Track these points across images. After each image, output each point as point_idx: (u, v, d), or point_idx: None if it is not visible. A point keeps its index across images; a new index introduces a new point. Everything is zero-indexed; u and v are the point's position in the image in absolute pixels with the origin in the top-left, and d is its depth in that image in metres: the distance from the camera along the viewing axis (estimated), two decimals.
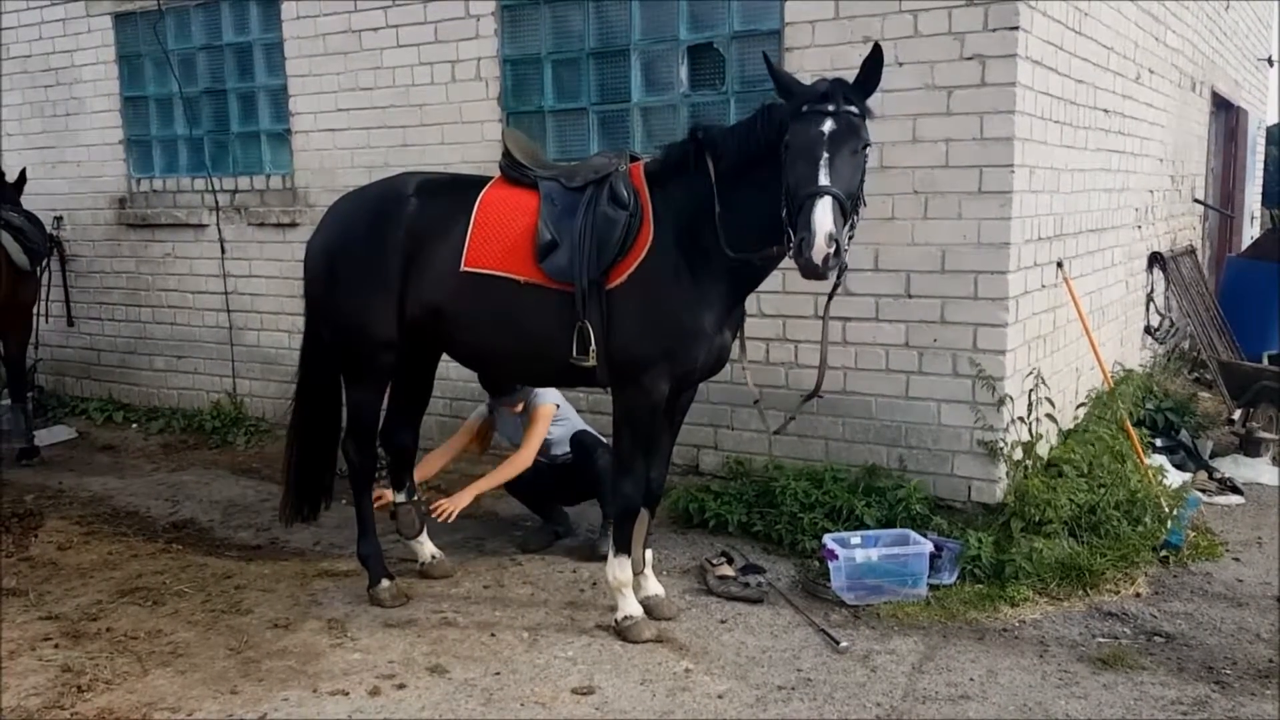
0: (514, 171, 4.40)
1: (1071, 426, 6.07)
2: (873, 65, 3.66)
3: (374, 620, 4.50)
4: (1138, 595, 4.67)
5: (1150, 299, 8.49)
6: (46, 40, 8.60)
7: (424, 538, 5.01)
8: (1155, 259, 8.49)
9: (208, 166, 7.90)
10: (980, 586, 4.68)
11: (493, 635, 4.34)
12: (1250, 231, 13.69)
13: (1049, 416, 5.53)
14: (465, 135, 6.61)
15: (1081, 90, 6.09)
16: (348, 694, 3.86)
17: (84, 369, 8.96)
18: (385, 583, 4.69)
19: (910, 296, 5.36)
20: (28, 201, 7.58)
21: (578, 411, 5.54)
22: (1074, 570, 4.71)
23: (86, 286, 8.73)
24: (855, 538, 4.78)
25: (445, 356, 4.91)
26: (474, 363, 4.78)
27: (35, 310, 7.68)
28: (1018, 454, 5.24)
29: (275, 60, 7.43)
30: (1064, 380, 6.16)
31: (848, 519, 5.12)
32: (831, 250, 3.46)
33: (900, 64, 5.14)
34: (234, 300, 7.85)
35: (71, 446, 7.77)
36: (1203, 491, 6.07)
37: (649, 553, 4.58)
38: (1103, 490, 5.16)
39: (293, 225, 7.38)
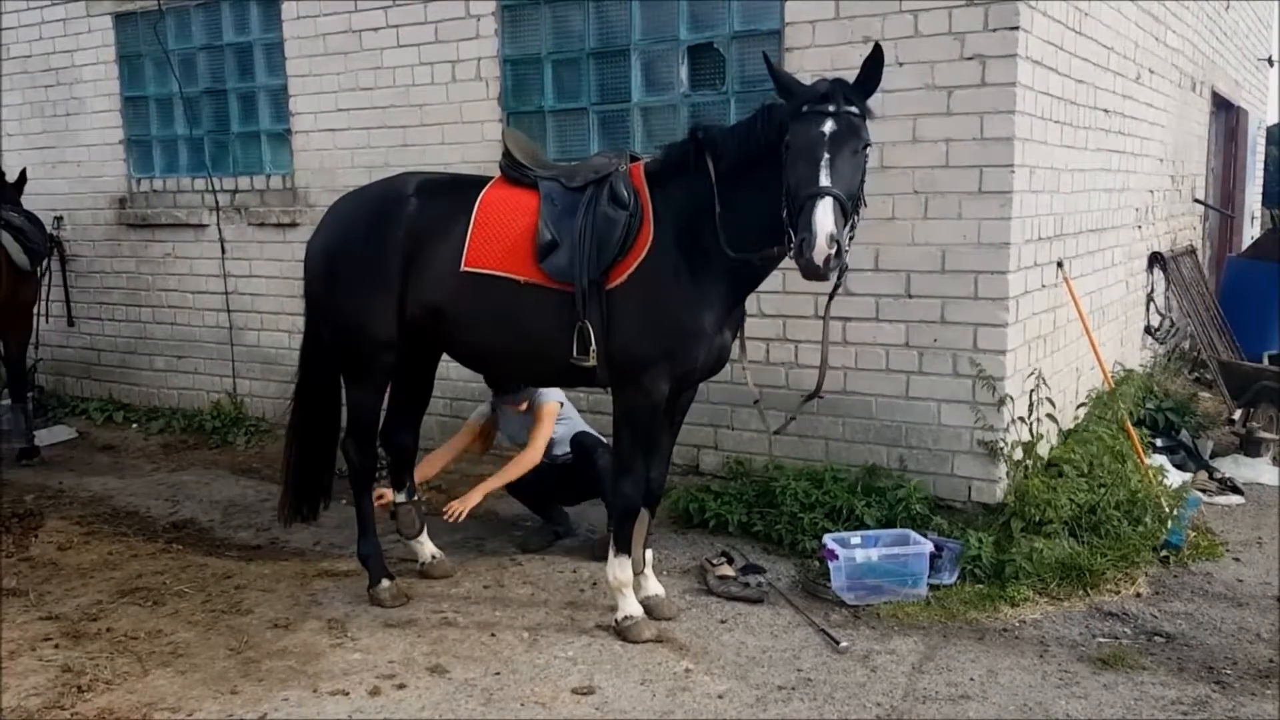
0: (514, 171, 4.40)
1: (1072, 426, 6.07)
2: (873, 65, 3.66)
3: (374, 620, 4.50)
4: (1138, 595, 4.67)
5: (1150, 299, 8.49)
6: (47, 40, 8.60)
7: (424, 538, 5.01)
8: (1155, 259, 8.49)
9: (208, 166, 7.90)
10: (980, 586, 4.69)
11: (493, 635, 4.34)
12: (1250, 231, 13.69)
13: (1049, 416, 5.53)
14: (465, 135, 6.61)
15: (1082, 90, 6.09)
16: (348, 694, 3.86)
17: (84, 369, 8.96)
18: (385, 583, 4.69)
19: (910, 296, 5.36)
20: (28, 201, 7.58)
21: (578, 411, 5.54)
22: (1074, 570, 4.71)
23: (87, 286, 8.73)
24: (855, 538, 4.78)
25: (445, 356, 4.91)
26: (474, 363, 4.78)
27: (35, 310, 7.68)
28: (1018, 454, 5.24)
29: (275, 60, 7.43)
30: (1064, 380, 6.16)
31: (848, 519, 5.12)
32: (833, 251, 3.46)
33: (900, 64, 5.14)
34: (234, 300, 7.85)
35: (71, 446, 7.77)
36: (1203, 491, 6.07)
37: (649, 553, 4.58)
38: (1103, 490, 5.16)
39: (293, 225, 7.38)
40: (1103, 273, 6.96)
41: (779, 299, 5.58)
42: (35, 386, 8.32)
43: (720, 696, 3.81)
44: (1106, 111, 6.69)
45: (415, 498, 5.04)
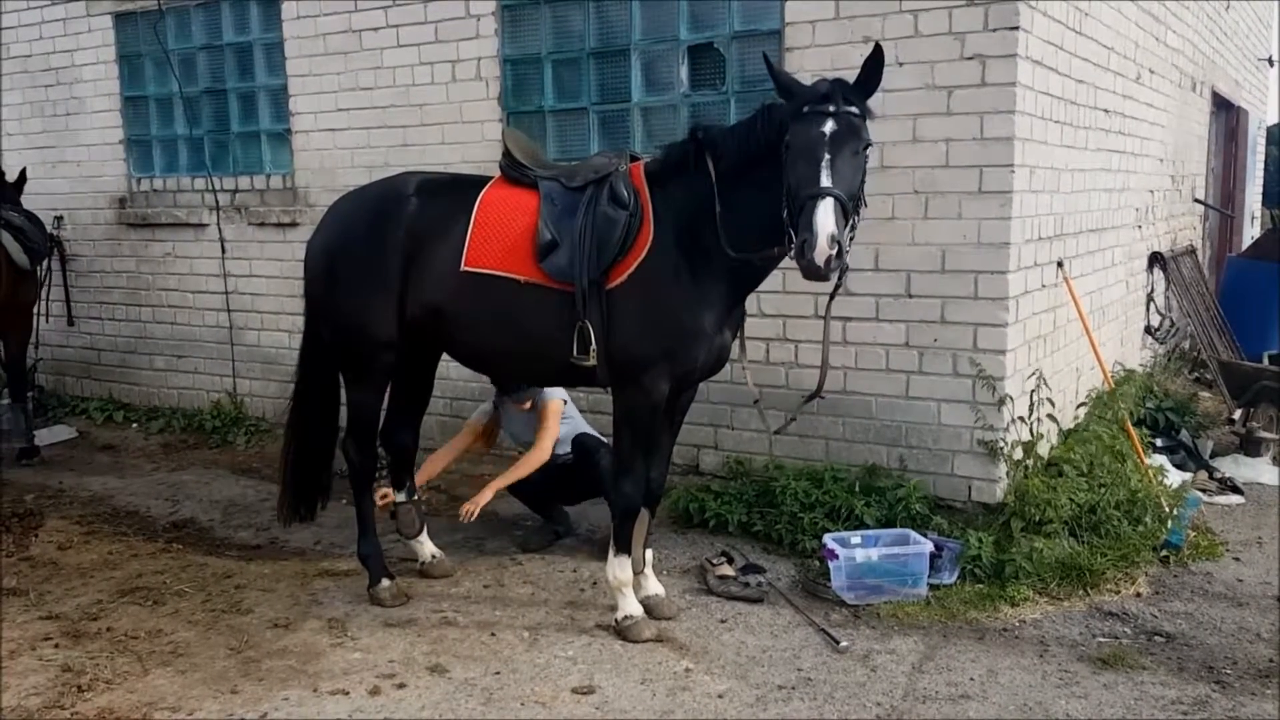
0: (514, 171, 4.40)
1: (1072, 426, 6.07)
2: (873, 66, 3.65)
3: (374, 620, 4.50)
4: (1138, 595, 4.67)
5: (1150, 299, 8.49)
6: (47, 40, 8.60)
7: (424, 537, 5.02)
8: (1155, 259, 8.49)
9: (208, 166, 7.90)
10: (980, 586, 4.69)
11: (493, 635, 4.34)
12: (1250, 231, 13.69)
13: (1049, 416, 5.53)
14: (465, 135, 6.61)
15: (1082, 90, 6.09)
16: (348, 693, 3.86)
17: (84, 368, 8.97)
18: (385, 582, 4.69)
19: (910, 296, 5.36)
20: (28, 201, 7.58)
21: (578, 411, 5.54)
22: (1074, 570, 4.71)
23: (87, 286, 8.73)
24: (855, 537, 4.78)
25: (445, 356, 4.91)
26: (474, 363, 4.78)
27: (35, 310, 7.69)
28: (1018, 454, 5.24)
29: (275, 60, 7.43)
30: (1064, 380, 6.16)
31: (848, 519, 5.12)
32: (834, 252, 3.45)
33: (900, 64, 5.14)
34: (234, 300, 7.85)
35: (72, 446, 7.77)
36: (1203, 491, 6.07)
37: (649, 552, 4.58)
38: (1103, 490, 5.16)
39: (293, 225, 7.38)
40: (1103, 273, 6.96)
41: (779, 299, 5.58)
42: (35, 386, 8.32)
43: (720, 696, 3.81)
44: (1107, 111, 6.69)
45: (415, 497, 5.04)
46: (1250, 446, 6.73)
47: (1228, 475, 6.36)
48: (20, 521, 5.87)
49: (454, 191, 4.48)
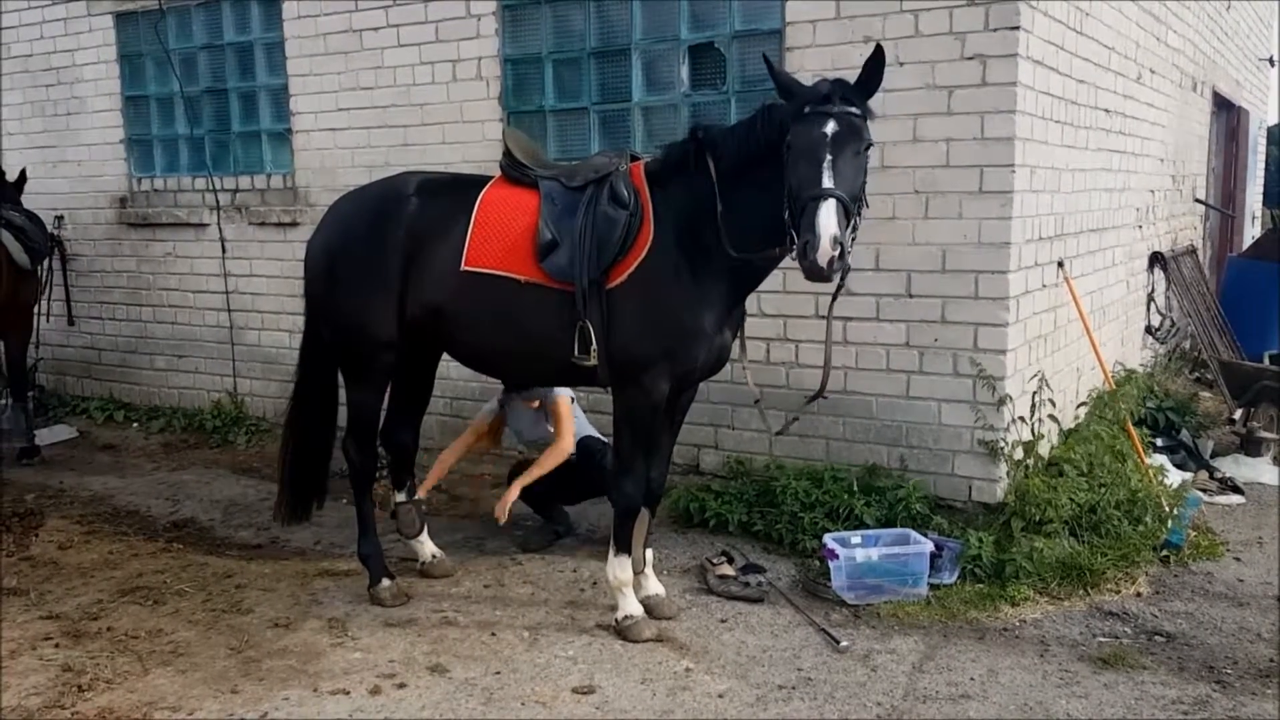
0: (514, 171, 4.40)
1: (1072, 426, 6.07)
2: (874, 66, 3.65)
3: (374, 619, 4.50)
4: (1138, 595, 4.67)
5: (1151, 299, 8.49)
6: (48, 39, 8.60)
7: (424, 537, 5.02)
8: (1156, 259, 8.49)
9: (209, 166, 7.90)
10: (981, 586, 4.68)
11: (493, 634, 4.34)
12: (1251, 231, 13.68)
13: (1050, 416, 5.53)
14: (466, 135, 6.61)
15: (1082, 90, 6.08)
16: (348, 693, 3.86)
17: (85, 368, 8.97)
18: (386, 582, 4.69)
19: (911, 296, 5.36)
20: (29, 201, 7.59)
21: (581, 411, 5.54)
22: (1075, 570, 4.71)
23: (87, 286, 8.73)
24: (856, 537, 4.78)
25: (445, 356, 4.91)
26: (474, 362, 4.78)
27: (36, 309, 7.69)
28: (1018, 453, 5.24)
29: (276, 60, 7.43)
30: (1065, 380, 6.16)
31: (848, 518, 5.12)
32: (836, 253, 3.45)
33: (901, 64, 5.14)
34: (235, 300, 7.85)
35: (72, 446, 7.77)
36: (1203, 491, 6.07)
37: (649, 552, 4.58)
38: (1103, 490, 5.16)
39: (293, 225, 7.39)
40: (1103, 272, 6.96)
41: (779, 299, 5.58)
42: (36, 386, 8.32)
43: (720, 696, 3.81)
44: (1107, 111, 6.69)
45: (415, 497, 5.04)
46: (1251, 446, 6.73)
47: (1228, 475, 6.36)
48: (21, 521, 5.87)
49: (454, 191, 4.48)
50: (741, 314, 4.32)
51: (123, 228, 8.45)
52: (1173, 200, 9.13)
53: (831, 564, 4.62)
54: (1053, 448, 5.66)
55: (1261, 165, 15.01)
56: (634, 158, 4.33)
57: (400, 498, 5.02)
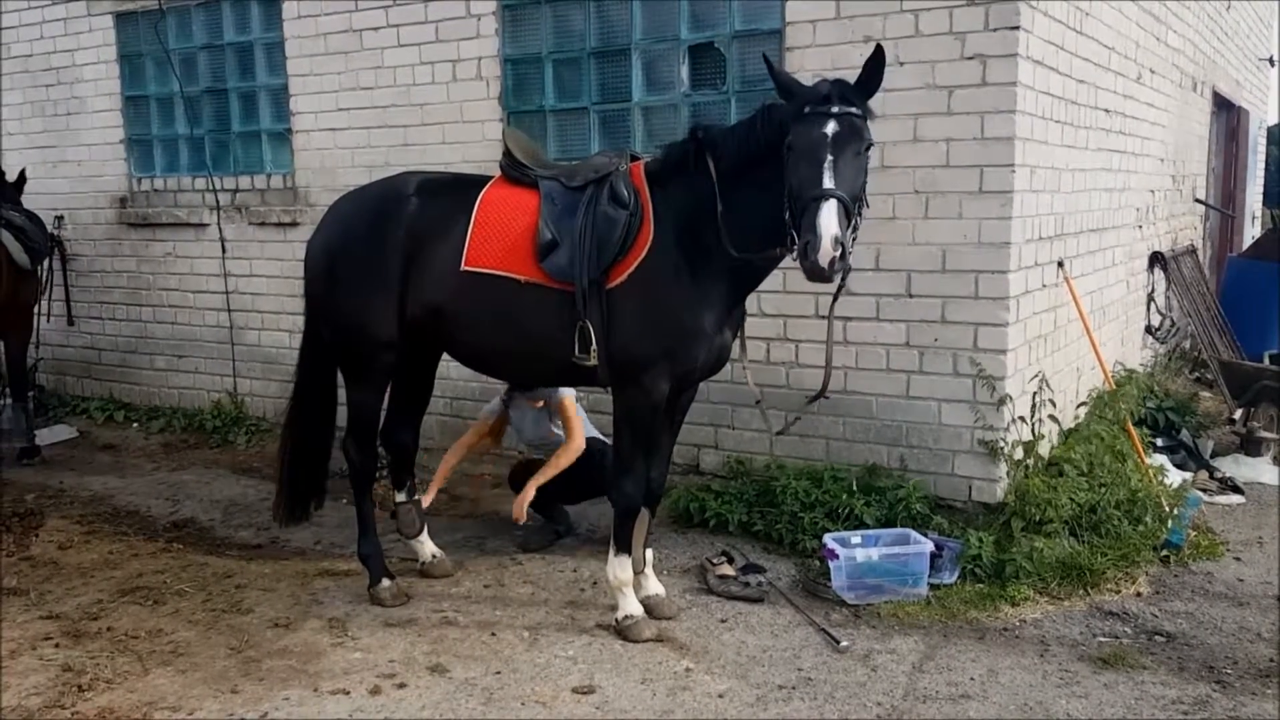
0: (514, 171, 4.40)
1: (1072, 426, 6.07)
2: (874, 66, 3.65)
3: (375, 619, 4.50)
4: (1138, 595, 4.67)
5: (1151, 299, 8.49)
6: (48, 39, 8.60)
7: (424, 537, 5.02)
8: (1156, 259, 8.49)
9: (209, 166, 7.90)
10: (981, 586, 4.68)
11: (493, 634, 4.34)
12: (1251, 231, 13.68)
13: (1050, 416, 5.53)
14: (466, 135, 6.61)
15: (1082, 90, 6.08)
16: (348, 693, 3.86)
17: (85, 368, 8.97)
18: (386, 582, 4.69)
19: (911, 296, 5.36)
20: (29, 201, 7.59)
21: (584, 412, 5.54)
22: (1075, 570, 4.71)
23: (87, 286, 8.73)
24: (856, 537, 4.78)
25: (445, 356, 4.91)
26: (474, 362, 4.77)
27: (36, 309, 7.69)
28: (1018, 453, 5.24)
29: (276, 60, 7.43)
30: (1065, 380, 6.16)
31: (848, 518, 5.12)
32: (838, 254, 3.46)
33: (901, 63, 5.14)
34: (235, 300, 7.85)
35: (72, 446, 7.77)
36: (1203, 491, 6.07)
37: (649, 552, 4.58)
38: (1103, 490, 5.16)
39: (293, 225, 7.39)
40: (1103, 272, 6.96)
41: (779, 298, 5.58)
42: (36, 386, 8.32)
43: (721, 696, 3.81)
44: (1107, 111, 6.69)
45: (415, 497, 5.04)
46: (1251, 446, 6.73)
47: (1228, 475, 6.36)
48: (21, 521, 5.87)
49: (454, 191, 4.48)
50: (741, 314, 4.32)
51: (123, 228, 8.45)
52: (1173, 200, 9.14)
53: (831, 564, 4.62)
54: (1053, 448, 5.66)
55: (1261, 165, 15.01)
56: (634, 158, 4.33)
57: (400, 498, 5.02)
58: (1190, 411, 7.23)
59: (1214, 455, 6.73)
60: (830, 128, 3.58)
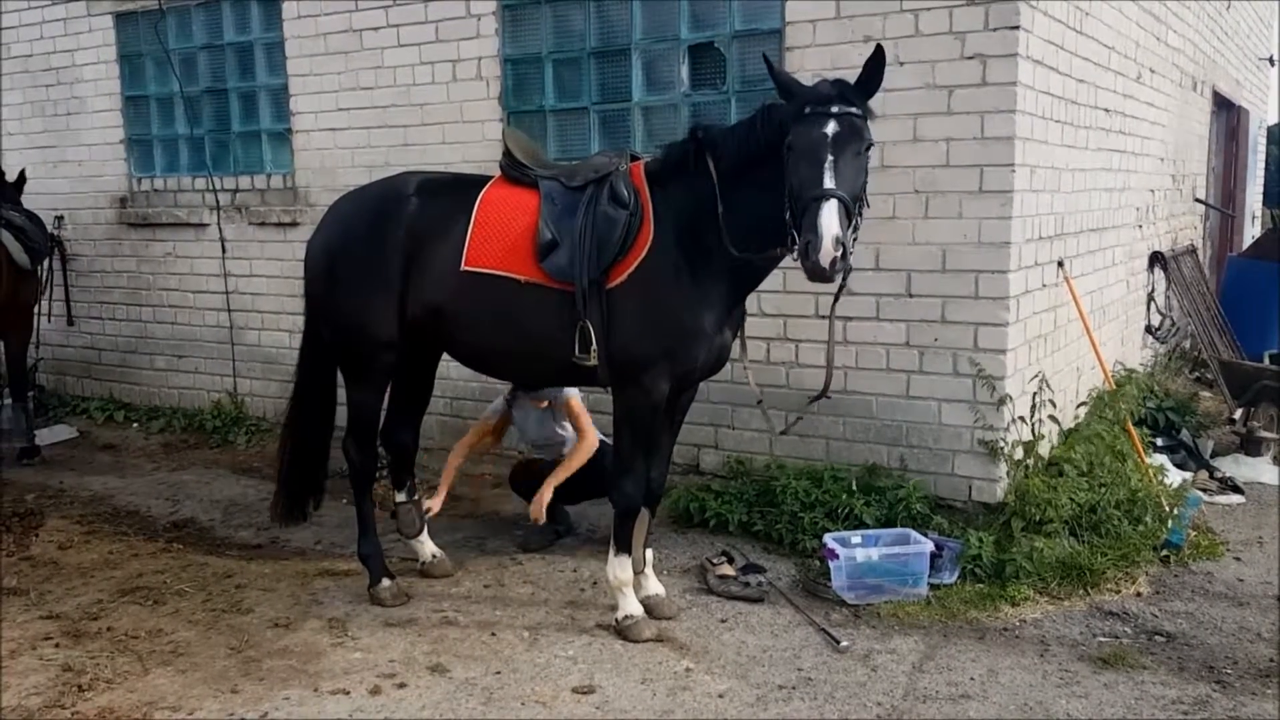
0: (514, 171, 4.40)
1: (1072, 426, 6.07)
2: (874, 66, 3.65)
3: (375, 619, 4.50)
4: (1139, 595, 4.67)
5: (1151, 298, 8.49)
6: (48, 40, 8.60)
7: (424, 537, 5.02)
8: (1156, 258, 8.49)
9: (209, 166, 7.90)
10: (981, 586, 4.68)
11: (493, 634, 4.34)
12: (1251, 231, 13.68)
13: (1050, 417, 5.53)
14: (466, 135, 6.61)
15: (1082, 90, 6.08)
16: (348, 693, 3.86)
17: (85, 368, 8.97)
18: (386, 582, 4.69)
19: (911, 296, 5.36)
20: (29, 201, 7.58)
21: None
22: (1075, 569, 4.71)
23: (87, 286, 8.73)
24: (856, 537, 4.78)
25: (445, 356, 4.91)
26: (475, 362, 4.77)
27: (36, 309, 7.69)
28: (1018, 453, 5.24)
29: (276, 60, 7.43)
30: (1065, 380, 6.16)
31: (848, 518, 5.12)
32: (839, 254, 3.46)
33: (901, 63, 5.14)
34: (235, 300, 7.85)
35: (72, 446, 7.77)
36: (1203, 491, 6.07)
37: (649, 552, 4.58)
38: (1103, 489, 5.16)
39: (293, 225, 7.38)
40: (1103, 272, 6.96)
41: (779, 298, 5.58)
42: (36, 386, 8.32)
43: (721, 695, 3.81)
44: (1107, 111, 6.69)
45: (415, 497, 5.04)
46: (1251, 446, 6.73)
47: (1228, 475, 6.36)
48: (21, 521, 5.87)
49: (454, 191, 4.48)
50: (742, 314, 4.32)
51: (123, 228, 8.45)
52: (1173, 200, 9.13)
53: (831, 564, 4.62)
54: (1053, 447, 5.66)
55: (1261, 165, 15.00)
56: (634, 158, 4.33)
57: (400, 498, 5.02)
58: (1190, 411, 7.23)
59: (1214, 455, 6.73)
60: (830, 128, 3.58)
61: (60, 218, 8.68)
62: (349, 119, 7.10)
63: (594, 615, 4.50)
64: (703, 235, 4.01)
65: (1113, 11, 6.57)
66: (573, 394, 5.12)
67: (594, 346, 4.05)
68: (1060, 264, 5.87)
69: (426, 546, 5.01)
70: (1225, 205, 11.97)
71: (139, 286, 8.45)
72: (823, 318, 4.18)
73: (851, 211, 3.57)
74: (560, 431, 5.22)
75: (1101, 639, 4.25)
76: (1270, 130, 17.14)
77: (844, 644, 4.17)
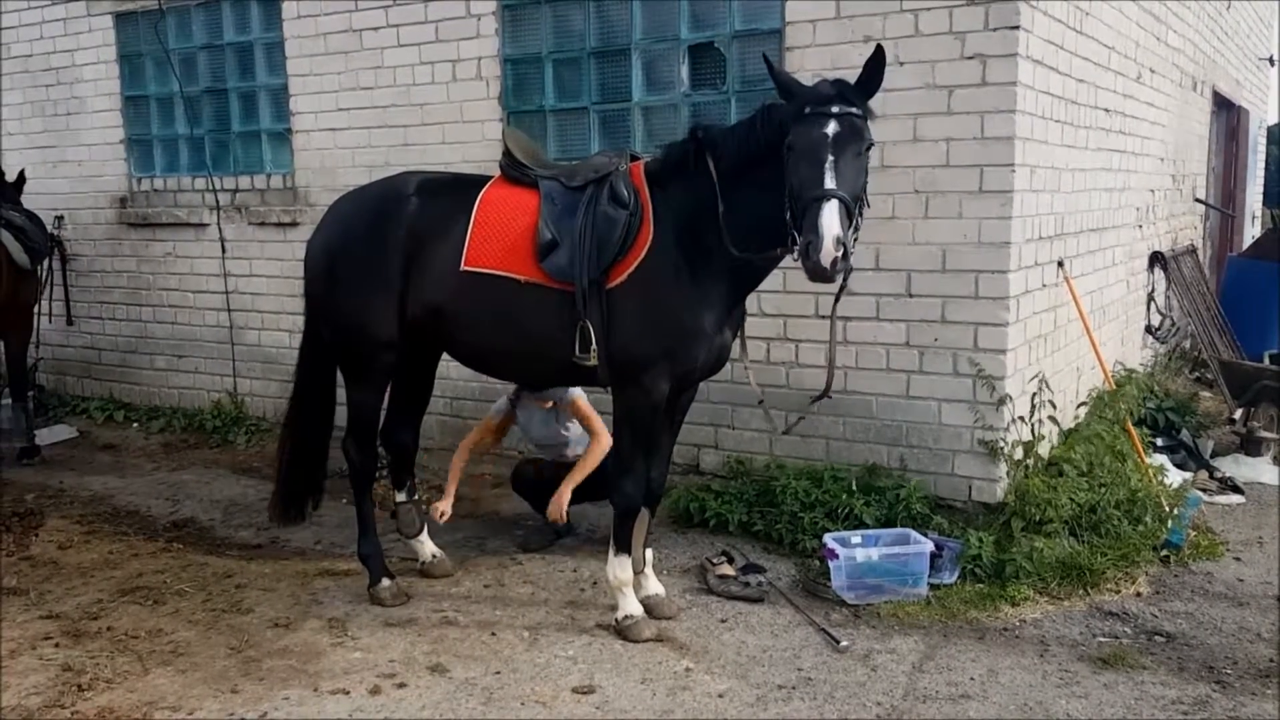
0: (514, 171, 4.40)
1: (1072, 426, 6.07)
2: (874, 66, 3.65)
3: (375, 619, 4.50)
4: (1138, 595, 4.67)
5: (1151, 298, 8.49)
6: (47, 40, 8.60)
7: (424, 537, 5.02)
8: (1156, 258, 8.49)
9: (208, 166, 7.90)
10: (981, 586, 4.68)
11: (493, 634, 4.34)
12: (1251, 231, 13.68)
13: (1050, 417, 5.53)
14: (466, 135, 6.61)
15: (1082, 90, 6.08)
16: (348, 693, 3.86)
17: (85, 368, 8.97)
18: (386, 582, 4.69)
19: (911, 296, 5.36)
20: (29, 201, 7.59)
21: None
22: (1075, 570, 4.71)
23: (87, 286, 8.73)
24: (856, 537, 4.78)
25: (445, 356, 4.91)
26: (475, 362, 4.77)
27: (36, 309, 7.69)
28: (1018, 453, 5.24)
29: (276, 59, 7.43)
30: (1065, 380, 6.16)
31: (848, 518, 5.12)
32: (839, 254, 3.46)
33: (901, 63, 5.14)
34: (235, 300, 7.85)
35: (72, 446, 7.77)
36: (1203, 491, 6.07)
37: (649, 552, 4.58)
38: (1103, 489, 5.16)
39: (293, 225, 7.38)
40: (1103, 272, 6.96)
41: (779, 298, 5.58)
42: (36, 385, 8.32)
43: (721, 695, 3.81)
44: (1107, 111, 6.69)
45: (415, 497, 5.04)
46: (1251, 446, 6.73)
47: (1228, 475, 6.36)
48: (21, 521, 5.87)
49: (454, 191, 4.48)
50: (742, 314, 4.32)
51: (123, 228, 8.45)
52: (1173, 200, 9.13)
53: (831, 564, 4.63)
54: (1053, 447, 5.66)
55: (1261, 165, 15.00)
56: (634, 158, 4.33)
57: (400, 497, 5.02)
58: (1190, 411, 7.23)
59: (1214, 455, 6.73)
60: (831, 128, 3.58)
61: (60, 218, 8.68)
62: (349, 119, 7.10)
63: (594, 615, 4.50)
64: (703, 235, 4.01)
65: (1113, 11, 6.57)
66: (578, 394, 5.12)
67: (594, 346, 4.05)
68: (1060, 264, 5.87)
69: (426, 546, 5.01)
70: (1225, 205, 11.98)
71: (139, 286, 8.46)
72: (823, 318, 4.17)
73: (852, 211, 3.57)
74: (564, 432, 5.22)
75: (1101, 639, 4.25)
76: (1270, 130, 17.14)
77: (844, 644, 4.17)
